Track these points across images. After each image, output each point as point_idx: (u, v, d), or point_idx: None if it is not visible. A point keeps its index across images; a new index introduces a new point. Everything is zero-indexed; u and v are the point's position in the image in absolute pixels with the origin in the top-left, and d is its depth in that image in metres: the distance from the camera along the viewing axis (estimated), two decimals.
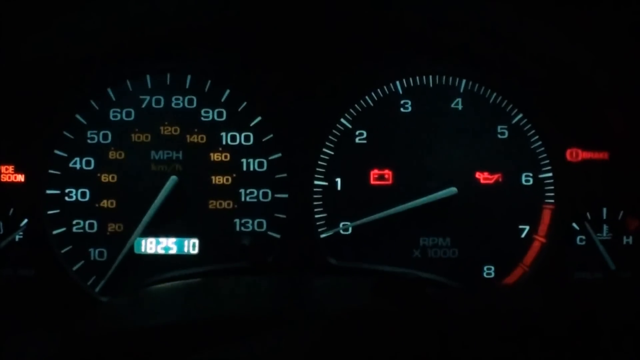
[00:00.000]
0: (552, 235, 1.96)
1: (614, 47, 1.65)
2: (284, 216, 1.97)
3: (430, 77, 1.97)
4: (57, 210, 1.97)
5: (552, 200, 1.96)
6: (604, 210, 1.97)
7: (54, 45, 1.78)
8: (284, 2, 1.79)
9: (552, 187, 1.96)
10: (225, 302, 1.45)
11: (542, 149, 1.96)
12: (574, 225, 1.96)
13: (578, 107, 1.93)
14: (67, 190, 1.97)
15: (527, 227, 1.96)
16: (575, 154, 1.96)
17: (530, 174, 1.96)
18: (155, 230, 1.96)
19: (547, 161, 1.96)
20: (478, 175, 1.96)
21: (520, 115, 1.96)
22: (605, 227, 1.96)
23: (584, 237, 1.97)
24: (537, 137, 1.96)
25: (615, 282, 1.94)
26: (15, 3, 1.49)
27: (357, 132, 1.97)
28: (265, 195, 1.97)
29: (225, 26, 1.91)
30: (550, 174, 1.96)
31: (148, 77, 1.97)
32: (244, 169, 1.97)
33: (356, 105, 1.97)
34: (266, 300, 1.50)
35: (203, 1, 1.74)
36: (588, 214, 1.96)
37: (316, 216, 1.97)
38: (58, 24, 1.66)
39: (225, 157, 1.97)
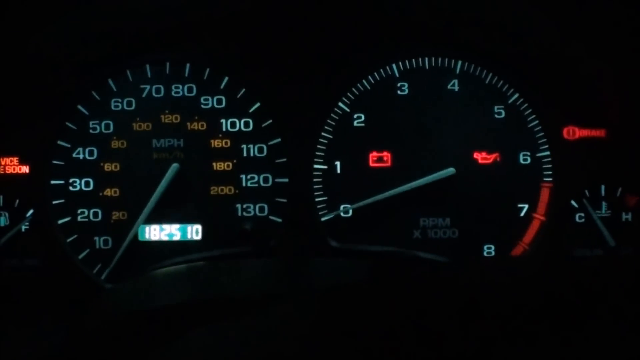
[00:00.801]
0: (551, 213, 1.98)
1: (603, 37, 1.67)
2: (284, 200, 2.00)
3: (426, 59, 1.99)
4: (62, 200, 2.00)
5: (551, 179, 1.98)
6: (602, 187, 1.99)
7: (57, 41, 1.80)
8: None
9: (550, 166, 1.98)
10: (224, 284, 1.47)
11: (539, 127, 1.98)
12: (573, 202, 1.98)
13: (573, 86, 1.94)
14: (71, 180, 2.00)
15: (526, 206, 1.98)
16: (572, 132, 1.98)
17: (528, 153, 1.98)
18: (159, 217, 1.99)
19: (545, 140, 1.98)
20: (476, 155, 1.98)
21: (516, 95, 1.98)
22: (604, 204, 1.99)
23: (583, 214, 1.99)
24: (533, 116, 1.98)
25: (615, 258, 1.96)
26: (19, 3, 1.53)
27: (355, 116, 2.00)
28: (265, 180, 2.00)
29: (222, 16, 1.93)
30: (547, 153, 1.98)
31: (148, 66, 2.00)
32: (244, 154, 2.00)
33: (354, 89, 1.99)
34: (264, 281, 1.52)
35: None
36: (586, 192, 1.99)
37: (317, 199, 1.99)
38: (60, 21, 1.69)
39: (226, 143, 2.00)
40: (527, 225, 1.98)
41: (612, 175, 1.99)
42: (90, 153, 2.00)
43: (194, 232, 1.99)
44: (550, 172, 1.98)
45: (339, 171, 2.00)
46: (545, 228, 1.98)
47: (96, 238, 2.00)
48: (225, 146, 2.00)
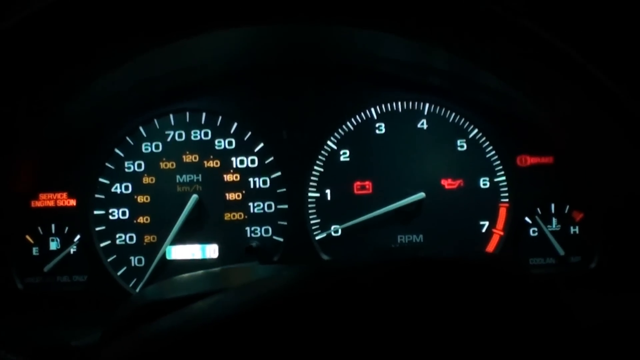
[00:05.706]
0: (508, 229, 2.16)
1: (541, 86, 1.83)
2: (285, 223, 2.20)
3: (399, 103, 2.20)
4: (103, 227, 2.21)
5: (507, 199, 2.17)
6: (552, 205, 2.16)
7: (98, 96, 2.05)
8: (278, 58, 2.13)
9: (506, 189, 2.17)
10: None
11: (496, 157, 2.18)
12: (527, 219, 2.16)
13: (523, 121, 2.16)
14: (110, 210, 2.21)
15: (487, 223, 2.18)
16: (524, 160, 2.19)
17: (487, 179, 2.18)
18: (182, 239, 2.19)
19: (501, 167, 2.17)
20: (443, 181, 2.19)
21: (476, 130, 2.19)
22: (554, 219, 2.16)
23: (536, 229, 2.16)
24: (491, 147, 2.18)
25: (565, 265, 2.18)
26: (65, 63, 1.72)
27: (341, 152, 2.21)
28: (269, 206, 2.22)
29: (231, 74, 2.23)
30: (504, 178, 2.17)
31: (171, 115, 2.21)
32: (252, 186, 2.21)
33: (339, 130, 2.20)
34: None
35: (217, 61, 2.08)
36: (538, 209, 2.16)
37: (311, 222, 2.20)
38: (102, 81, 1.89)
39: (236, 177, 2.21)
40: (488, 239, 2.18)
41: (561, 195, 2.15)
42: (126, 188, 2.21)
43: (212, 251, 2.20)
44: (506, 194, 2.17)
45: (329, 198, 2.21)
46: (504, 241, 2.16)
47: (131, 257, 2.21)
48: (236, 180, 2.21)
